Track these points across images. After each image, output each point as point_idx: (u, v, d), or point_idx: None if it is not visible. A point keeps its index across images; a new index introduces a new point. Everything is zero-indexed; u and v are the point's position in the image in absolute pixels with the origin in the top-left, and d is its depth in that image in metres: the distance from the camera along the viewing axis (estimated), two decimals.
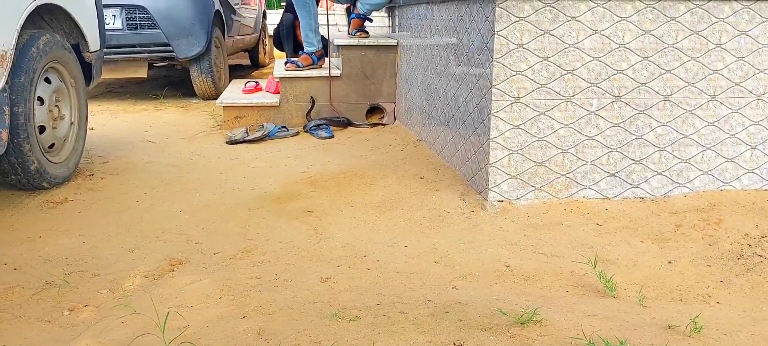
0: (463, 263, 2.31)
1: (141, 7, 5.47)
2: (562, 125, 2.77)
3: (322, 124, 4.65)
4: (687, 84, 2.81)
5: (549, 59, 2.71)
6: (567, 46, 2.71)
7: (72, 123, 3.49)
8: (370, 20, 5.14)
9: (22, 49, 2.97)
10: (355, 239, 2.55)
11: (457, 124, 3.22)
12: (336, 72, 4.79)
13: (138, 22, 5.51)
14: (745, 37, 2.80)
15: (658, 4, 2.72)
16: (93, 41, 3.66)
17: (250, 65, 9.11)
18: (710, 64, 2.81)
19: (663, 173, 2.86)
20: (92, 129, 4.59)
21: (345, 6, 5.58)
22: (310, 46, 4.90)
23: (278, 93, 4.86)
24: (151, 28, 5.53)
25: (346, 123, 4.74)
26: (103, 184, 3.35)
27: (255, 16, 8.27)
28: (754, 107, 2.88)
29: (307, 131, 4.62)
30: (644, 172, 2.85)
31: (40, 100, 3.16)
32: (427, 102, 3.84)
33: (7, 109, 2.83)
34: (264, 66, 9.09)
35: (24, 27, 2.96)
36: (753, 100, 2.87)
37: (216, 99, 5.99)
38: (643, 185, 2.86)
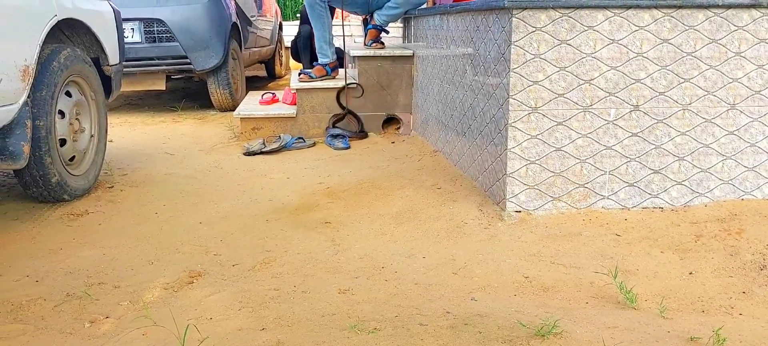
0: (481, 274, 2.31)
1: (159, 20, 5.53)
2: (580, 135, 2.76)
3: (338, 135, 4.66)
4: (706, 93, 2.79)
5: (566, 69, 2.71)
6: (584, 55, 2.70)
7: (92, 136, 3.53)
8: (387, 32, 5.15)
9: (43, 64, 3.01)
10: (373, 250, 2.55)
11: (473, 134, 3.21)
12: (352, 83, 4.81)
13: (156, 35, 5.57)
14: (765, 45, 2.78)
15: (676, 13, 2.71)
16: (113, 55, 3.71)
17: (266, 76, 9.17)
18: (730, 72, 2.79)
19: (682, 183, 2.84)
20: (111, 141, 4.63)
21: (361, 17, 5.61)
22: (325, 57, 4.93)
23: (295, 104, 4.88)
24: (169, 41, 5.58)
25: (363, 133, 4.75)
26: (122, 196, 3.38)
27: (271, 28, 8.33)
28: None
29: (327, 136, 4.63)
30: (663, 181, 2.83)
31: (61, 113, 3.20)
32: (443, 112, 3.84)
33: (29, 123, 2.87)
34: (280, 77, 9.14)
35: (45, 42, 3.00)
36: None
37: (233, 111, 6.04)
38: (663, 194, 2.84)
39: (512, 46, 2.67)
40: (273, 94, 5.33)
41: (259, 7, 7.58)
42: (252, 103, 5.21)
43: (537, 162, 2.77)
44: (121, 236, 2.78)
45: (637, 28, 2.70)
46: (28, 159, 2.89)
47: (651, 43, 2.72)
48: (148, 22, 5.54)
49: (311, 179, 3.66)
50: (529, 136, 2.75)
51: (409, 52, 4.79)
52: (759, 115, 2.84)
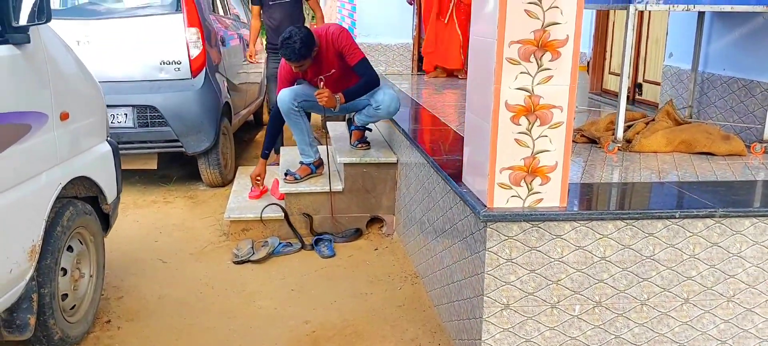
0: None
1: (151, 106, 5.68)
2: (548, 328, 3.02)
3: (325, 239, 4.88)
4: (662, 290, 3.05)
5: (536, 271, 2.95)
6: (552, 260, 2.95)
7: (91, 276, 3.69)
8: (370, 130, 5.35)
9: (47, 231, 3.16)
10: None
11: (452, 292, 3.46)
12: (338, 187, 5.02)
13: (149, 120, 5.72)
14: (717, 248, 3.04)
15: (638, 223, 2.95)
16: (111, 193, 3.85)
17: (254, 123, 9.31)
18: (684, 272, 3.04)
19: None
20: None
21: (345, 118, 5.77)
22: (308, 157, 5.11)
23: (284, 199, 5.08)
24: (161, 126, 5.74)
25: (358, 233, 5.00)
26: (120, 337, 3.58)
27: (260, 77, 8.44)
28: (725, 308, 3.11)
29: (313, 239, 4.86)
30: None
31: (64, 270, 3.36)
32: (424, 241, 4.07)
33: (34, 296, 3.04)
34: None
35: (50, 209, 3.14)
36: (724, 301, 3.10)
37: (223, 186, 6.25)
38: None
39: (486, 251, 2.91)
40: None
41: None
42: (241, 199, 5.37)
43: None
44: None
45: (601, 236, 2.95)
46: (34, 328, 3.08)
47: (613, 248, 2.97)
48: (141, 109, 5.69)
49: (297, 313, 3.86)
50: (502, 329, 2.99)
51: (393, 159, 5.01)
52: (710, 308, 3.11)
